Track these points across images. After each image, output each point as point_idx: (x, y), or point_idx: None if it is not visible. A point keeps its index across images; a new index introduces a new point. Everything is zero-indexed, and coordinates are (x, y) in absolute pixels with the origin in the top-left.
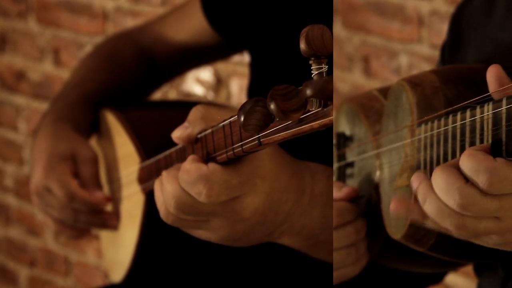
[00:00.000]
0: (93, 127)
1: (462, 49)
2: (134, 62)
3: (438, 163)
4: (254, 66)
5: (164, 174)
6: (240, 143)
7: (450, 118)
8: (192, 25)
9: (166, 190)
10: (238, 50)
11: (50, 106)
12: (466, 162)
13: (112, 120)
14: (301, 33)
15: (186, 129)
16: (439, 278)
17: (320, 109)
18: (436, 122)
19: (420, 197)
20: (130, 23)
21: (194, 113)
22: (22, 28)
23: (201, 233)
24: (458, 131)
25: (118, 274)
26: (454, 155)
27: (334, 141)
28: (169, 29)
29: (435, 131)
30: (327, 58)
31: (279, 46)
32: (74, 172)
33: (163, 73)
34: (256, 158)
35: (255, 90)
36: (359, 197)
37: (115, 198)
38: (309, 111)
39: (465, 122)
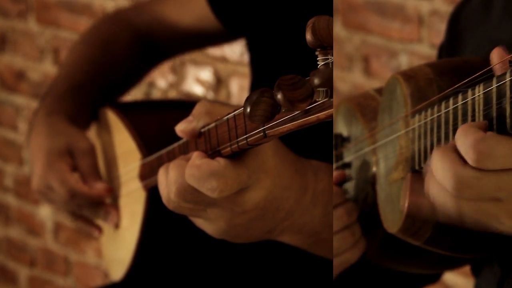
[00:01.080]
0: (91, 116)
1: (459, 49)
2: (128, 46)
3: (432, 150)
4: (253, 55)
5: (172, 162)
6: (245, 136)
7: (443, 104)
8: (195, 11)
9: (170, 176)
10: (238, 38)
11: (40, 101)
12: (458, 138)
13: (112, 118)
14: (307, 24)
15: (190, 123)
16: (436, 277)
17: (326, 99)
18: (429, 111)
19: (425, 183)
20: None
21: (199, 108)
22: (22, 28)
23: (200, 223)
24: (451, 116)
25: (118, 272)
26: (447, 140)
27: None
28: (170, 12)
29: (428, 119)
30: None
31: (279, 37)
32: (73, 166)
33: (159, 55)
34: (260, 153)
35: (256, 84)
36: (346, 179)
37: (115, 196)
38: (315, 101)
39: (457, 106)
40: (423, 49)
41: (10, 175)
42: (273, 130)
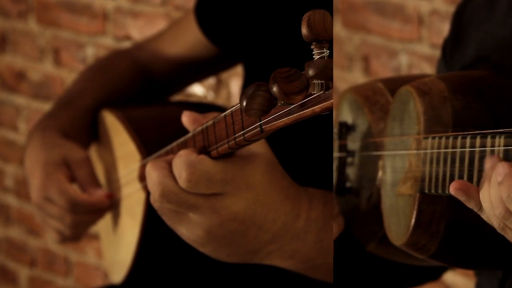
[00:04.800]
0: (89, 130)
1: (462, 45)
2: (129, 76)
3: (444, 182)
4: (248, 71)
5: (150, 163)
6: (242, 132)
7: (459, 140)
8: (188, 39)
9: (152, 177)
10: (235, 62)
11: (37, 123)
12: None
13: (111, 120)
14: (303, 18)
15: (200, 117)
16: (437, 275)
17: (322, 92)
18: (444, 140)
19: (480, 188)
20: (130, 23)
21: (214, 115)
22: (22, 28)
23: (182, 231)
24: (467, 156)
25: (118, 274)
26: (461, 177)
27: (335, 130)
28: (164, 45)
29: (442, 150)
30: (328, 42)
31: (274, 51)
32: (70, 177)
33: (162, 89)
34: (249, 166)
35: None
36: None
37: (115, 198)
38: (311, 94)
39: (474, 150)
40: (423, 48)
41: (10, 175)
42: (269, 125)
